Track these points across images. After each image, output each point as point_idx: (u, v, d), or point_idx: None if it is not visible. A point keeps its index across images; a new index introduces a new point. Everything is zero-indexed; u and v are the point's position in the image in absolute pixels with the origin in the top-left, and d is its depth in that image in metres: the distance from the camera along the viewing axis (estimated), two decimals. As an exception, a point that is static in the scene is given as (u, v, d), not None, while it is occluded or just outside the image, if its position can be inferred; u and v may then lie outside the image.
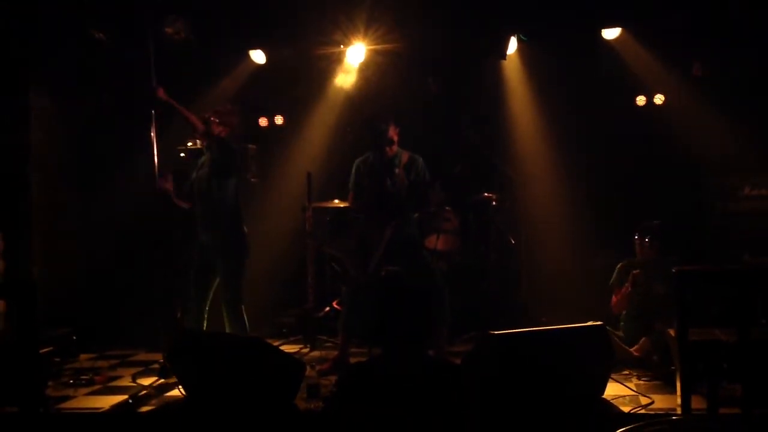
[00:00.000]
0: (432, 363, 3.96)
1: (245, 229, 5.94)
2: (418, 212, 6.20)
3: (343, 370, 5.56)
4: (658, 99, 7.52)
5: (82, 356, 6.72)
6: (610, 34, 7.10)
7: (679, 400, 4.43)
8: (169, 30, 6.96)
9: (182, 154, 6.14)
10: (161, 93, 5.73)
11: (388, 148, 5.92)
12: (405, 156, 6.01)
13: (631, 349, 5.78)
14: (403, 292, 4.04)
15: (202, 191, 5.88)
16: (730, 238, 6.94)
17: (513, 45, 7.25)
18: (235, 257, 5.85)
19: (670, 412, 4.60)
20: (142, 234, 6.77)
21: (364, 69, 7.72)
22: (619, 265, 6.21)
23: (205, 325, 5.90)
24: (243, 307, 5.86)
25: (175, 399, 5.24)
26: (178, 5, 6.95)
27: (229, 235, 5.84)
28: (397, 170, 5.93)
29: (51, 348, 6.03)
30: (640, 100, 7.58)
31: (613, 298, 6.14)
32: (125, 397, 5.33)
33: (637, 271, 5.93)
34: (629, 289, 5.93)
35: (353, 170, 6.16)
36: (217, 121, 5.87)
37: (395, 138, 5.94)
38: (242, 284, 5.89)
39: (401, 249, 5.89)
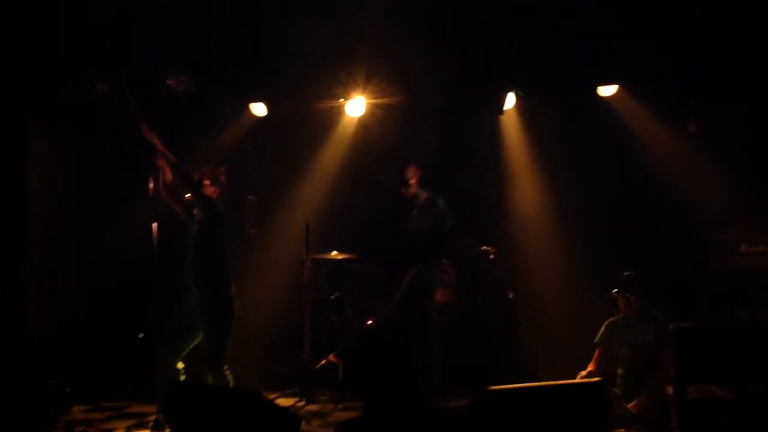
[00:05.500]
0: (425, 415, 3.92)
1: (233, 290, 5.78)
2: (437, 257, 6.04)
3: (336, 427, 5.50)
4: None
5: (76, 408, 6.65)
6: (607, 91, 7.18)
7: (677, 459, 4.41)
8: (170, 81, 7.01)
9: (187, 195, 6.10)
10: (145, 129, 5.62)
11: (403, 189, 5.87)
12: (424, 195, 5.96)
13: (629, 406, 5.74)
14: (391, 346, 4.00)
15: (192, 249, 5.80)
16: (727, 295, 6.91)
17: (511, 100, 7.32)
18: (220, 320, 5.70)
19: (668, 470, 4.56)
20: (138, 282, 6.76)
21: (364, 122, 7.80)
22: (605, 323, 6.23)
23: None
24: (226, 366, 5.68)
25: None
26: (179, 57, 7.02)
27: (215, 296, 5.71)
28: (415, 211, 5.87)
29: (44, 399, 5.98)
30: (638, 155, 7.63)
31: (594, 357, 6.16)
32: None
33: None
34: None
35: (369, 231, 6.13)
36: (209, 183, 5.82)
37: (411, 180, 5.89)
38: (226, 346, 5.71)
39: (412, 297, 5.78)
